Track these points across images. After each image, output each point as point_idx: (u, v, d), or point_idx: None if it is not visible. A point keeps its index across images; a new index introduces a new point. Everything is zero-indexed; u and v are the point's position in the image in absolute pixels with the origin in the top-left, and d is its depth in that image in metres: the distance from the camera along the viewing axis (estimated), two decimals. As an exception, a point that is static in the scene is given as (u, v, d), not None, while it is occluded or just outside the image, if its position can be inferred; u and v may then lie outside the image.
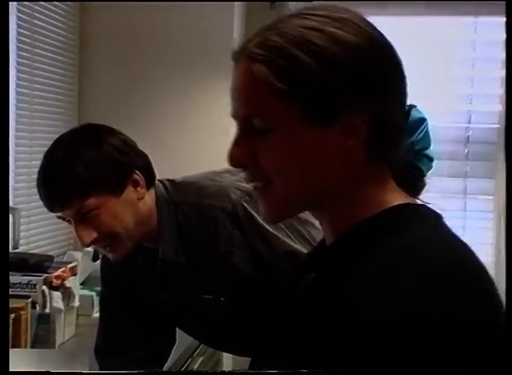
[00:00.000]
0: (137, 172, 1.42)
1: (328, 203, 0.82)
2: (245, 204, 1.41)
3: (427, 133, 0.90)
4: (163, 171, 1.55)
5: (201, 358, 2.18)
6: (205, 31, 2.85)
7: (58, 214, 1.42)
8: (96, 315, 2.26)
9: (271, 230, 1.41)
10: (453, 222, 0.81)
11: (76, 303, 2.21)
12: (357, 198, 0.81)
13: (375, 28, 0.82)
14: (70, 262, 2.29)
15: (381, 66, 0.79)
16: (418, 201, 0.85)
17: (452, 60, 3.03)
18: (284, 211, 0.84)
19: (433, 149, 0.91)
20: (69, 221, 1.42)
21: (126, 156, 1.42)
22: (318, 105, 0.77)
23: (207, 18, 2.84)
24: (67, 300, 2.16)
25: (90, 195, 1.37)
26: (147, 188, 1.44)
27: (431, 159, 0.89)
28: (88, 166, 1.38)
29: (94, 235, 1.39)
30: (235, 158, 0.82)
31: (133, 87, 2.90)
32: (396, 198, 0.82)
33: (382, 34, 0.82)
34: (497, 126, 3.00)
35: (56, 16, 2.72)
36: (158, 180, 1.49)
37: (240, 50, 0.81)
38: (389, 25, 2.79)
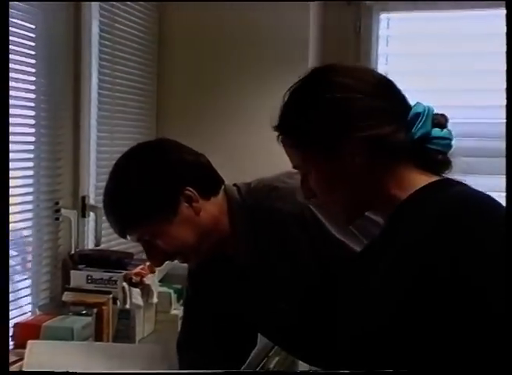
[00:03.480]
0: (189, 188, 1.40)
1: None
2: (312, 207, 1.37)
3: (426, 121, 1.06)
4: (243, 171, 1.57)
5: (277, 358, 2.18)
6: (281, 30, 2.83)
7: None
8: (174, 312, 2.30)
9: (338, 236, 1.38)
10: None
11: (155, 300, 2.25)
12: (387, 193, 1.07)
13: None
14: (149, 260, 2.34)
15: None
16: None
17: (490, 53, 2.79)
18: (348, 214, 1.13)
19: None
20: None
21: (173, 176, 1.39)
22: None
23: (282, 17, 2.83)
24: (146, 297, 2.20)
25: (139, 227, 1.40)
26: (208, 197, 1.42)
27: (445, 138, 1.07)
28: (132, 200, 1.38)
29: (161, 257, 1.45)
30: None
31: (209, 86, 2.93)
32: (420, 180, 1.04)
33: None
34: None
35: (135, 19, 2.78)
36: (234, 184, 1.48)
37: None
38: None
